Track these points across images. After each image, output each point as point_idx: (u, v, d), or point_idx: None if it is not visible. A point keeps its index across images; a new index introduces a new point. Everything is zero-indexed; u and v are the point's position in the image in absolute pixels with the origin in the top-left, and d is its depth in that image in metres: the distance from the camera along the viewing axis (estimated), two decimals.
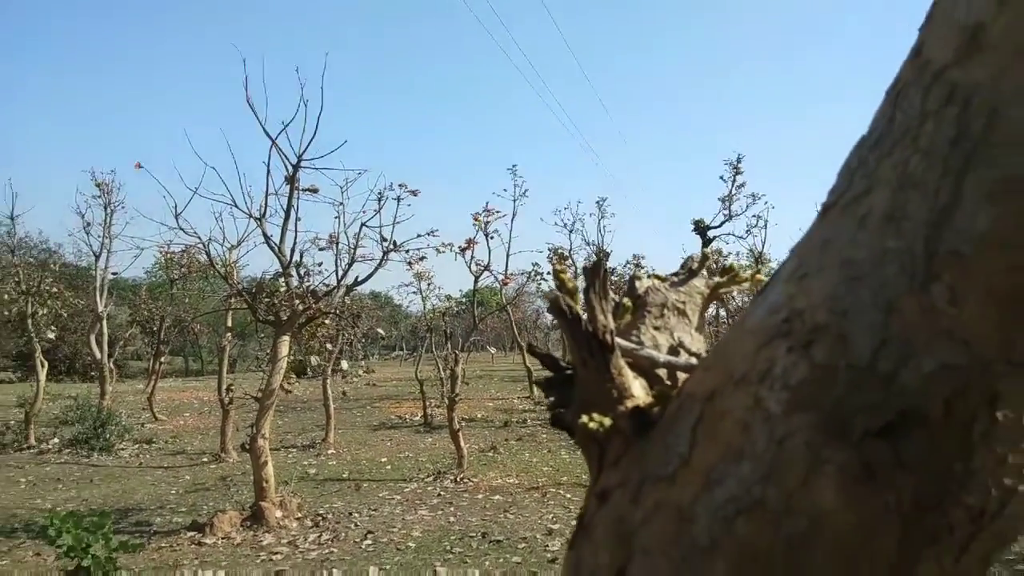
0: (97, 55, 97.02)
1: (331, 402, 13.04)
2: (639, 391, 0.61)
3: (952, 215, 0.43)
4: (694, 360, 0.66)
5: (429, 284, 16.19)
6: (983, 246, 0.42)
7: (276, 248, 8.31)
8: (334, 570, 6.12)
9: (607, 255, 24.03)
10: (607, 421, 0.58)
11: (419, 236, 9.90)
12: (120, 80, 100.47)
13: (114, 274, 16.90)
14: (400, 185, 9.63)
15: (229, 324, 13.64)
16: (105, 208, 15.53)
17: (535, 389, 19.51)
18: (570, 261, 21.06)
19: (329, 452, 12.01)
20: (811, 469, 0.46)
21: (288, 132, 8.11)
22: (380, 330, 16.14)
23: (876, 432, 0.44)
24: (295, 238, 8.34)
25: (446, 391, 11.25)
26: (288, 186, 8.33)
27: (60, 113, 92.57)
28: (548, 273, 18.34)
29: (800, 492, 0.46)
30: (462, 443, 10.08)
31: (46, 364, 14.26)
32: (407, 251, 9.94)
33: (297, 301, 8.19)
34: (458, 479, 9.54)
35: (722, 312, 17.86)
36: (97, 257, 15.71)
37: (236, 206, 8.29)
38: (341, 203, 9.36)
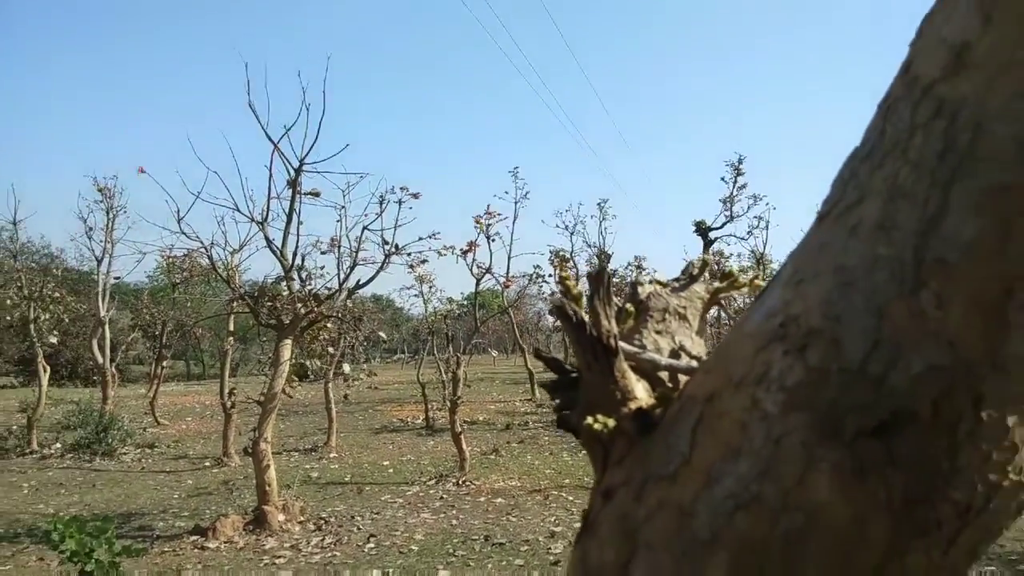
0: (99, 61, 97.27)
1: (333, 405, 13.05)
2: (642, 393, 0.63)
3: (939, 225, 0.45)
4: (695, 363, 0.69)
5: (431, 287, 16.22)
6: (969, 254, 0.44)
7: (278, 252, 8.33)
8: (337, 574, 6.13)
9: (608, 257, 24.05)
10: (611, 422, 0.60)
11: (420, 239, 9.93)
12: (122, 86, 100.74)
13: (117, 278, 16.93)
14: (401, 188, 9.66)
15: (231, 328, 13.65)
16: (107, 213, 15.57)
17: (537, 392, 19.51)
18: (571, 263, 21.07)
19: (331, 455, 12.02)
20: (806, 467, 0.48)
21: (290, 136, 8.15)
22: (382, 333, 16.16)
23: (868, 431, 0.47)
24: (297, 242, 8.37)
25: (448, 394, 11.27)
26: (290, 190, 8.35)
27: (62, 118, 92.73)
28: (549, 275, 18.37)
29: (796, 488, 0.48)
30: (464, 446, 10.09)
31: (48, 369, 14.28)
32: (409, 254, 9.96)
33: (299, 305, 8.21)
34: (460, 482, 9.54)
35: (722, 314, 17.87)
36: (99, 262, 15.74)
37: (238, 210, 8.32)
38: (343, 206, 9.40)
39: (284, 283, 8.58)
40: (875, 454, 0.47)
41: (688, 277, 0.80)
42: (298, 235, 8.37)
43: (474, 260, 12.25)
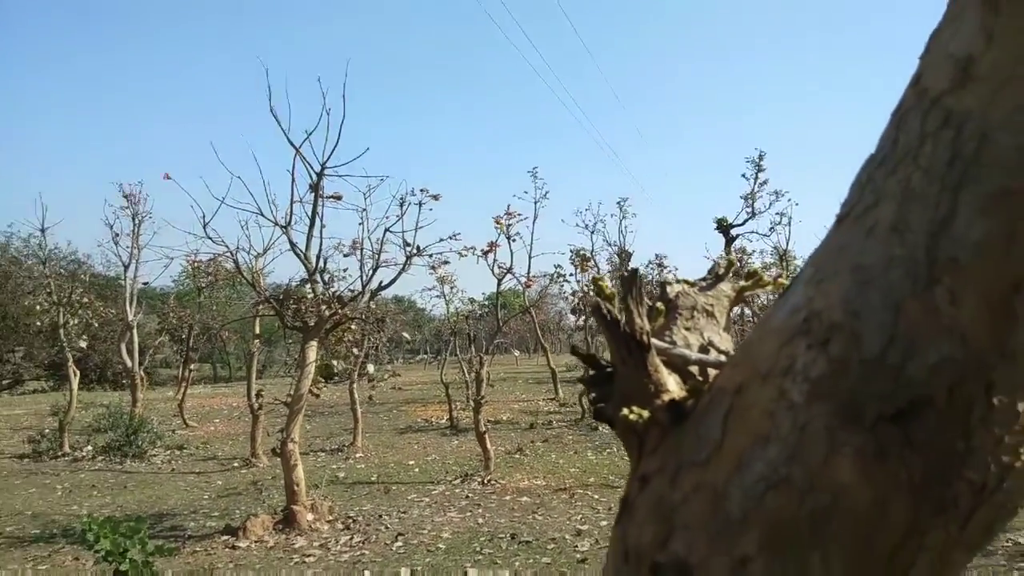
0: (124, 70, 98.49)
1: (358, 406, 13.16)
2: (674, 386, 0.67)
3: (950, 226, 0.49)
4: (723, 357, 0.72)
5: (452, 288, 16.30)
6: (978, 253, 0.48)
7: (302, 255, 8.42)
8: (366, 572, 6.20)
9: (629, 256, 23.99)
10: (646, 413, 0.64)
11: (441, 240, 9.99)
12: (146, 94, 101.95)
13: (144, 283, 17.18)
14: (422, 190, 9.73)
15: (257, 331, 13.81)
16: (133, 219, 15.82)
17: (560, 391, 19.51)
18: (592, 262, 21.03)
19: (357, 456, 12.12)
20: (831, 451, 0.52)
21: (311, 141, 8.24)
22: (406, 334, 16.26)
23: (887, 417, 0.51)
24: (321, 245, 8.46)
25: (471, 394, 11.32)
26: (312, 194, 8.43)
27: (87, 125, 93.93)
28: (571, 274, 18.38)
29: (822, 471, 0.52)
30: (489, 445, 10.14)
31: (78, 373, 14.50)
32: (430, 255, 10.03)
33: (323, 307, 8.30)
34: (485, 481, 9.59)
35: (747, 311, 17.79)
36: (126, 267, 15.99)
37: (262, 214, 8.42)
38: (364, 209, 9.48)
39: (308, 286, 8.68)
40: (895, 438, 0.50)
41: (714, 276, 0.84)
42: (321, 238, 8.47)
43: (495, 260, 12.30)
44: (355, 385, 13.29)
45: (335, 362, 10.53)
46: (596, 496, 8.59)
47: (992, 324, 0.49)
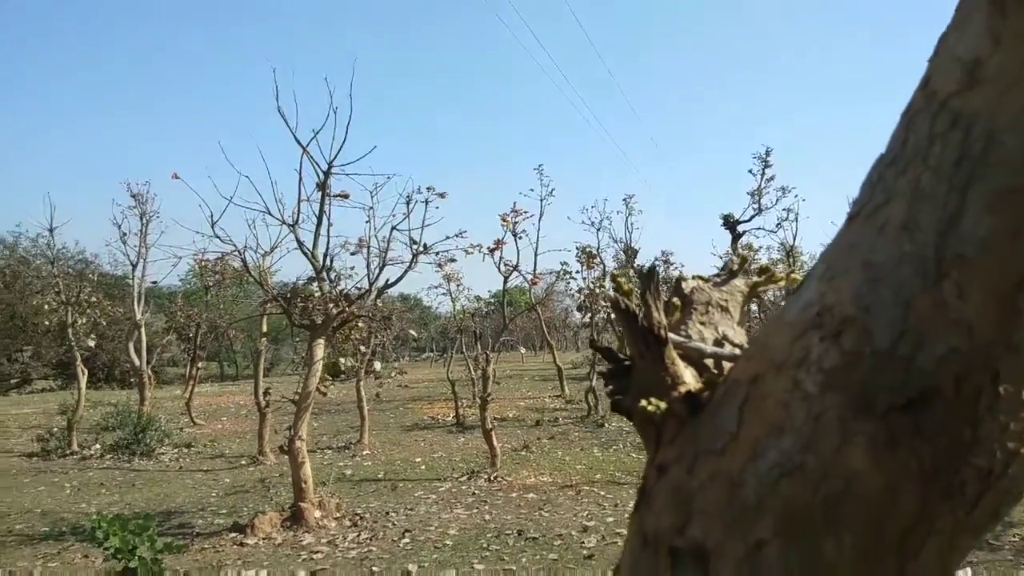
0: (132, 71, 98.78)
1: (364, 404, 13.20)
2: (690, 378, 0.69)
3: (958, 224, 0.51)
4: (737, 351, 0.75)
5: (458, 285, 16.31)
6: (984, 250, 0.50)
7: (309, 253, 8.45)
8: (374, 568, 6.22)
9: (635, 253, 23.98)
10: (663, 404, 0.67)
11: (448, 238, 9.99)
12: (154, 93, 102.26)
13: (153, 282, 17.24)
14: (428, 188, 9.73)
15: (264, 329, 13.86)
16: (141, 218, 15.86)
17: (566, 388, 19.52)
18: (598, 259, 21.02)
19: (364, 453, 12.16)
20: (844, 439, 0.54)
21: (318, 139, 8.25)
22: (412, 331, 16.30)
23: (898, 407, 0.53)
24: (328, 243, 8.48)
25: (478, 391, 11.34)
26: (319, 192, 8.45)
27: (95, 125, 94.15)
28: (576, 272, 18.38)
29: (835, 458, 0.54)
30: (495, 442, 10.16)
31: (86, 372, 14.57)
32: (436, 253, 10.04)
33: (331, 305, 8.32)
34: (492, 478, 9.61)
35: (753, 307, 17.77)
36: (134, 266, 16.03)
37: (270, 213, 8.44)
38: (371, 207, 9.49)
39: (315, 284, 8.70)
40: (905, 427, 0.53)
41: (728, 272, 0.87)
42: (328, 236, 8.49)
43: (501, 258, 12.31)
44: (362, 383, 13.32)
45: (343, 360, 10.55)
46: (602, 493, 8.60)
47: (998, 317, 0.51)
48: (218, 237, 8.77)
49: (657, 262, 22.68)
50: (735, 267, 0.86)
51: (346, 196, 8.98)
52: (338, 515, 7.85)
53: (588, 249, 20.09)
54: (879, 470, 0.53)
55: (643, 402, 0.67)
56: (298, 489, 7.71)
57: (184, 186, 9.27)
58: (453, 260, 11.18)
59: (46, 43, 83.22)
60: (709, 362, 0.74)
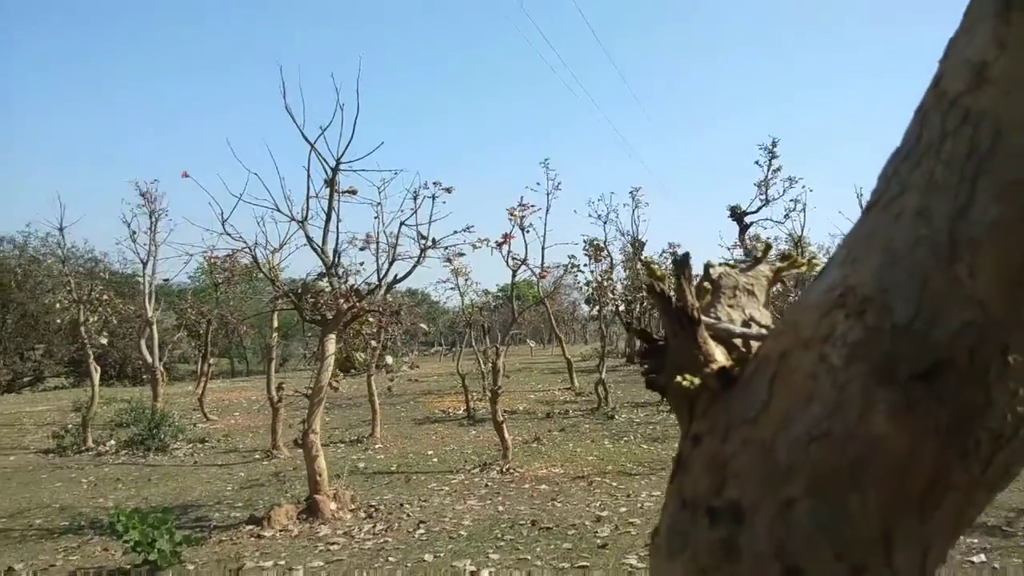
0: (139, 72, 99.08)
1: (376, 398, 13.29)
2: (721, 356, 0.75)
3: (969, 211, 0.57)
4: (764, 331, 0.80)
5: (466, 280, 16.37)
6: (993, 234, 0.56)
7: (319, 249, 8.50)
8: (390, 558, 6.29)
9: (642, 245, 24.05)
10: (697, 380, 0.72)
11: (455, 232, 10.03)
12: (163, 93, 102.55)
13: (165, 280, 17.35)
14: (435, 183, 9.77)
15: (275, 325, 13.96)
16: (150, 216, 15.97)
17: (576, 381, 19.57)
18: (605, 252, 21.06)
19: (376, 447, 12.23)
20: (867, 406, 0.60)
21: (326, 136, 8.29)
22: (424, 325, 16.37)
23: (917, 376, 0.58)
24: (337, 239, 8.53)
25: (488, 384, 11.40)
26: (328, 189, 8.49)
27: (103, 124, 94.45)
28: (584, 265, 18.40)
29: (859, 423, 0.60)
30: (506, 435, 10.22)
31: (98, 369, 14.68)
32: (445, 248, 10.08)
33: (341, 300, 8.38)
34: (504, 470, 9.67)
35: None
36: (144, 264, 16.14)
37: (279, 210, 8.48)
38: (379, 203, 9.53)
39: (325, 280, 8.75)
40: (923, 394, 0.59)
41: (753, 259, 0.92)
42: (337, 232, 8.54)
43: (509, 252, 12.36)
44: (373, 377, 13.41)
45: (357, 354, 10.63)
46: (614, 484, 8.64)
47: (1007, 295, 0.56)
48: (228, 234, 8.84)
49: (664, 255, 22.72)
50: (760, 254, 0.92)
51: (354, 192, 9.03)
52: (353, 507, 7.92)
53: (595, 242, 20.15)
54: (900, 433, 0.59)
55: (678, 378, 0.72)
56: (313, 482, 7.78)
57: (193, 184, 9.34)
58: (462, 254, 11.22)
59: (50, 38, 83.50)
60: (738, 342, 0.79)
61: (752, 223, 19.04)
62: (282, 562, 6.29)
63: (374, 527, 7.27)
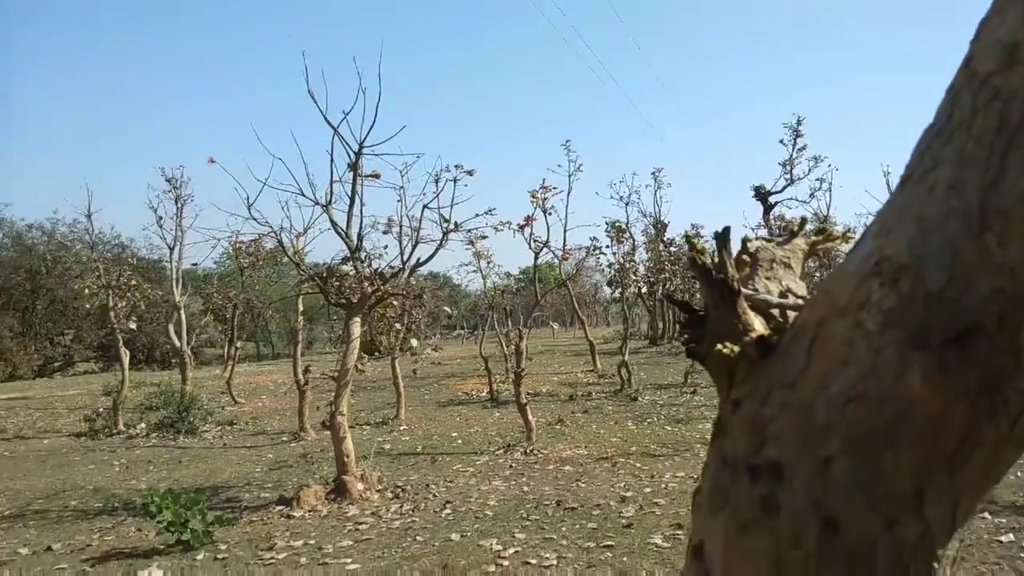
0: (168, 60, 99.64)
1: (400, 380, 13.41)
2: (759, 326, 0.78)
3: (999, 184, 0.60)
4: (800, 301, 0.83)
5: (488, 263, 16.42)
6: (1022, 204, 0.58)
7: (343, 233, 8.56)
8: (418, 537, 6.38)
9: (665, 226, 23.94)
10: (737, 348, 0.76)
11: (477, 215, 10.04)
12: (189, 82, 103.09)
13: (193, 265, 17.58)
14: (456, 166, 9.77)
15: (301, 308, 14.10)
16: (176, 202, 16.16)
17: (599, 363, 19.60)
18: (628, 234, 21.01)
19: (401, 428, 12.35)
20: (902, 369, 0.63)
21: (348, 121, 8.32)
22: (447, 308, 16.47)
23: (949, 340, 0.62)
24: (361, 223, 8.58)
25: (511, 366, 11.47)
26: (351, 173, 8.54)
27: (127, 111, 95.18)
28: (607, 247, 18.39)
29: (894, 385, 0.64)
30: (530, 416, 10.28)
31: (128, 353, 14.93)
32: (468, 231, 10.11)
33: (366, 283, 8.44)
34: (528, 451, 9.72)
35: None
36: (171, 249, 16.35)
37: (303, 194, 8.54)
38: (401, 187, 9.56)
39: (350, 263, 8.82)
40: (955, 357, 0.62)
41: (789, 233, 0.96)
42: (361, 216, 8.58)
43: (531, 234, 12.38)
44: (397, 360, 13.52)
45: (381, 337, 10.72)
46: (638, 465, 8.66)
47: None
48: (254, 219, 8.92)
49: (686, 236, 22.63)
50: (796, 228, 0.95)
51: (377, 176, 9.06)
52: (380, 488, 8.02)
53: (617, 224, 20.10)
54: (933, 394, 0.62)
55: (719, 346, 0.76)
56: (340, 463, 7.89)
57: (217, 170, 9.42)
58: (484, 237, 11.24)
59: (68, 26, 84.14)
60: (775, 312, 0.83)
61: (776, 203, 18.91)
62: (312, 541, 6.38)
63: (401, 507, 7.35)
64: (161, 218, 16.20)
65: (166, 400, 13.85)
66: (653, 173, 25.98)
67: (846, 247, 0.81)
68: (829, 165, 19.42)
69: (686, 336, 0.82)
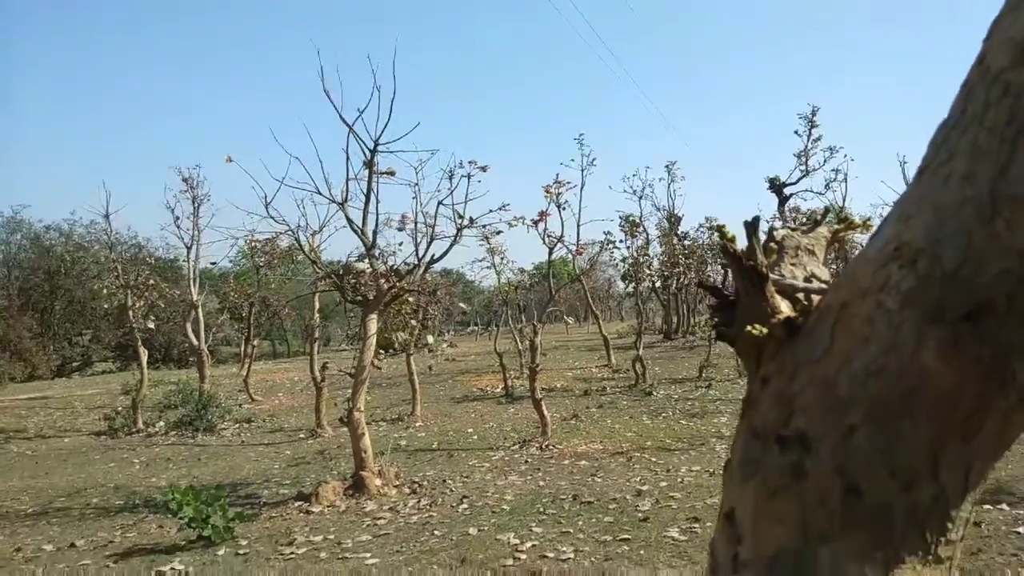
0: (185, 62, 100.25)
1: (415, 377, 13.48)
2: (786, 308, 0.84)
3: (1008, 171, 0.65)
4: (824, 286, 0.89)
5: (503, 258, 16.47)
6: None
7: (359, 231, 8.62)
8: (435, 531, 6.44)
9: (679, 220, 23.91)
10: (765, 329, 0.81)
11: (491, 211, 10.08)
12: (206, 82, 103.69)
13: (212, 263, 17.74)
14: (470, 162, 9.81)
15: (317, 306, 14.20)
16: (192, 202, 16.30)
17: (613, 357, 19.61)
18: (641, 228, 21.01)
19: (417, 425, 12.43)
20: (919, 344, 0.69)
21: (363, 119, 8.36)
22: (463, 304, 16.54)
23: (962, 317, 0.67)
24: (377, 220, 8.64)
25: (525, 362, 11.51)
26: (366, 170, 8.59)
27: (144, 111, 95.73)
28: (621, 241, 18.39)
29: (912, 359, 0.69)
30: (545, 412, 10.32)
31: (146, 352, 15.08)
32: (484, 226, 10.16)
33: (382, 280, 8.50)
34: (543, 446, 9.76)
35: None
36: (188, 249, 16.50)
37: (319, 193, 8.59)
38: (416, 184, 9.61)
39: (366, 260, 8.88)
40: (968, 332, 0.68)
41: (813, 222, 1.01)
42: (377, 214, 8.64)
43: (545, 229, 12.42)
44: (412, 356, 13.59)
45: (398, 334, 10.81)
46: (654, 459, 8.68)
47: None
48: (272, 218, 8.99)
49: (701, 229, 22.58)
50: (819, 217, 1.01)
51: (392, 173, 9.11)
52: (397, 483, 8.09)
53: (631, 218, 20.10)
54: (948, 367, 0.68)
55: (749, 328, 0.82)
56: (358, 459, 7.95)
57: (232, 169, 9.49)
58: (499, 232, 11.28)
59: (82, 26, 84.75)
60: (800, 295, 0.88)
61: (791, 195, 18.83)
62: (331, 536, 6.45)
63: (419, 502, 7.42)
64: (178, 218, 16.37)
65: (184, 398, 13.98)
66: (667, 166, 25.96)
67: (864, 237, 0.86)
68: (845, 156, 19.31)
69: (717, 319, 0.87)
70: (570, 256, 16.12)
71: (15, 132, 70.82)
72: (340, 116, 8.34)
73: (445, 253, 9.57)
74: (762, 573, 0.77)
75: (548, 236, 12.53)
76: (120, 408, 14.22)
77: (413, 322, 12.50)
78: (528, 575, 5.25)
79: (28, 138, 72.47)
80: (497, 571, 5.36)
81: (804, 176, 18.92)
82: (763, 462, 0.79)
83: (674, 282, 21.94)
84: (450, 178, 9.53)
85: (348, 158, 8.53)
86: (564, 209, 12.57)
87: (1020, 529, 5.38)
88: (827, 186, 18.97)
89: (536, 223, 12.13)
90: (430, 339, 13.03)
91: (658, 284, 21.58)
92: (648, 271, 19.56)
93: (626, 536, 5.90)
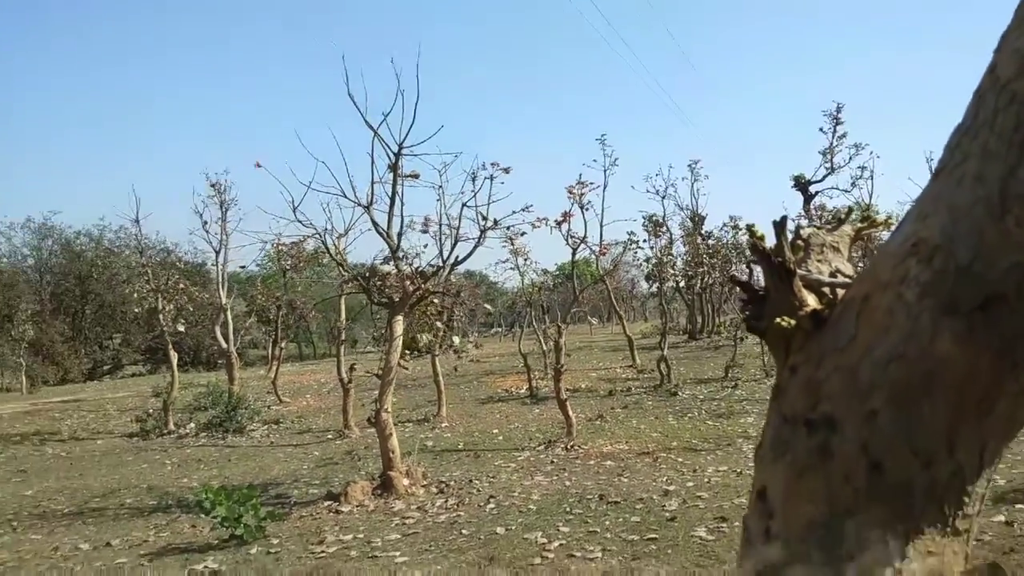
0: (214, 69, 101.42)
1: (441, 378, 13.57)
2: (812, 302, 0.90)
3: (1017, 172, 0.71)
4: (848, 280, 0.95)
5: (526, 260, 16.50)
6: None
7: (384, 233, 8.71)
8: (463, 531, 6.50)
9: (702, 219, 23.83)
10: (793, 321, 0.87)
11: (514, 212, 10.11)
12: (233, 89, 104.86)
13: (242, 267, 17.95)
14: (492, 164, 9.85)
15: (343, 308, 14.34)
16: (220, 206, 16.51)
17: (637, 358, 19.57)
18: (665, 228, 20.95)
19: (443, 425, 12.50)
20: (935, 333, 0.75)
21: (388, 122, 8.45)
22: (488, 305, 16.62)
23: (975, 307, 0.73)
24: (402, 223, 8.73)
25: (550, 363, 11.55)
26: (391, 173, 8.68)
27: (178, 121, 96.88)
28: (644, 241, 18.35)
29: (929, 346, 0.75)
30: (570, 412, 10.34)
31: (176, 355, 15.31)
32: (507, 228, 10.20)
33: (407, 282, 8.58)
34: (569, 447, 9.77)
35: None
36: (217, 253, 16.71)
37: (345, 196, 8.68)
38: (440, 186, 9.67)
39: (391, 263, 8.97)
40: (981, 322, 0.74)
41: (837, 220, 1.07)
42: (402, 216, 8.72)
43: (568, 230, 12.44)
44: (437, 358, 13.67)
45: (424, 336, 10.89)
46: (680, 459, 8.66)
47: None
48: (299, 221, 9.10)
49: (725, 228, 22.48)
50: (843, 216, 1.07)
51: (416, 176, 9.19)
52: (425, 483, 8.16)
53: (654, 218, 20.05)
54: (962, 354, 0.74)
55: (778, 320, 0.88)
56: (386, 459, 8.03)
57: (260, 174, 9.62)
58: (523, 234, 11.32)
59: (109, 32, 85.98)
60: (826, 290, 0.94)
61: (817, 192, 18.66)
62: (361, 535, 6.52)
63: (446, 502, 7.47)
64: (206, 222, 16.58)
65: (214, 400, 14.18)
66: (690, 165, 25.86)
67: (886, 233, 0.92)
68: (871, 153, 19.05)
69: (747, 313, 0.93)
70: (593, 257, 16.12)
71: (48, 140, 72.08)
72: (365, 120, 8.44)
73: (469, 255, 9.63)
74: (793, 544, 0.83)
75: (571, 237, 12.56)
76: (151, 410, 14.44)
77: (438, 323, 12.58)
78: (556, 574, 5.29)
79: (59, 146, 73.65)
80: (526, 570, 5.41)
81: (829, 174, 18.74)
82: (792, 444, 0.86)
83: (698, 282, 21.84)
84: (473, 180, 9.59)
85: (373, 161, 8.63)
86: (587, 210, 12.56)
87: None
88: (853, 183, 18.78)
89: (559, 224, 12.16)
90: (456, 340, 13.10)
91: (682, 284, 21.51)
92: (672, 271, 19.50)
93: (653, 536, 5.90)
